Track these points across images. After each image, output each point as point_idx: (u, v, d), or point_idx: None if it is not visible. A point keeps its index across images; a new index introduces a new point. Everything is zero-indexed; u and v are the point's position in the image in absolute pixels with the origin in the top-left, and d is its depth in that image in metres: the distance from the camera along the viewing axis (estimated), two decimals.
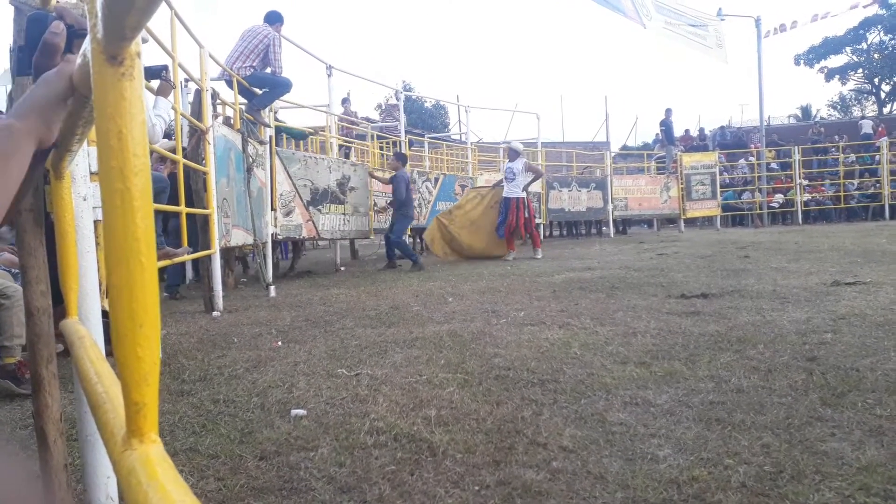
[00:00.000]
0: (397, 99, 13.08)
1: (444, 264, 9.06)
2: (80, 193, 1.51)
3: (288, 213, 7.58)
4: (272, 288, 6.18)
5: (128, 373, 0.48)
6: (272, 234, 7.21)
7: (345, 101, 13.74)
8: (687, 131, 22.78)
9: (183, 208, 4.88)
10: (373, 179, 9.63)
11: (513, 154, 9.74)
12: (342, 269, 8.84)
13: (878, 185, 17.31)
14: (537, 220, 13.50)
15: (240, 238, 6.18)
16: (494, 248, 9.69)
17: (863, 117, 25.54)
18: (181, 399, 2.69)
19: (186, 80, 6.52)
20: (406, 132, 12.48)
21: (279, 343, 3.76)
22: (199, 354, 3.53)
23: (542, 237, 11.74)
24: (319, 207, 8.23)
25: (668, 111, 18.50)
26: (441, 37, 78.30)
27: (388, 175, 9.21)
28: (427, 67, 72.08)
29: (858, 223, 15.91)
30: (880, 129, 20.43)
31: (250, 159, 6.42)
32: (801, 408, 2.23)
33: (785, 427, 2.06)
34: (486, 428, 2.19)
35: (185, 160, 5.04)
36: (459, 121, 19.52)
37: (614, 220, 15.57)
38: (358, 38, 76.44)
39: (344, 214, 8.72)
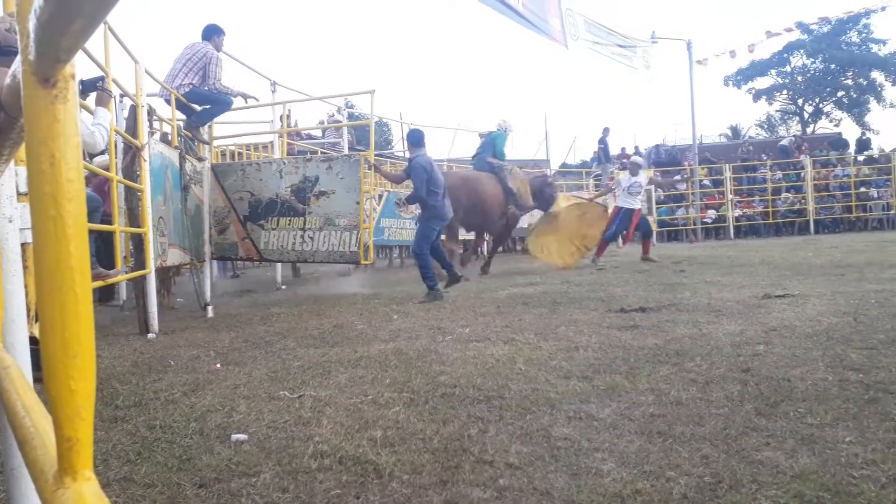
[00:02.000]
0: (340, 115, 13.02)
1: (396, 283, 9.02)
2: (6, 215, 1.44)
3: (222, 231, 7.13)
4: (210, 308, 6.03)
5: (60, 407, 0.45)
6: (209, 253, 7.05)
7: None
8: (623, 150, 23.44)
9: (117, 227, 4.72)
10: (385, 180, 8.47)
11: (635, 169, 10.28)
12: (283, 287, 8.70)
13: (803, 201, 18.15)
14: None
15: (176, 258, 6.01)
16: (564, 259, 9.58)
17: (784, 137, 26.82)
18: (115, 426, 2.58)
19: (122, 96, 6.35)
20: (349, 148, 12.43)
21: (218, 365, 3.66)
22: (133, 378, 3.40)
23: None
24: (261, 223, 7.01)
25: (606, 130, 19.06)
26: (383, 54, 78.55)
27: (400, 171, 7.88)
28: (369, 84, 72.19)
29: (786, 237, 16.64)
30: (803, 146, 21.48)
31: (188, 177, 6.27)
32: (738, 418, 2.30)
33: (723, 438, 2.12)
34: (433, 447, 2.18)
35: (119, 178, 4.89)
36: (403, 138, 19.56)
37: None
38: (301, 54, 75.90)
39: (303, 230, 6.89)
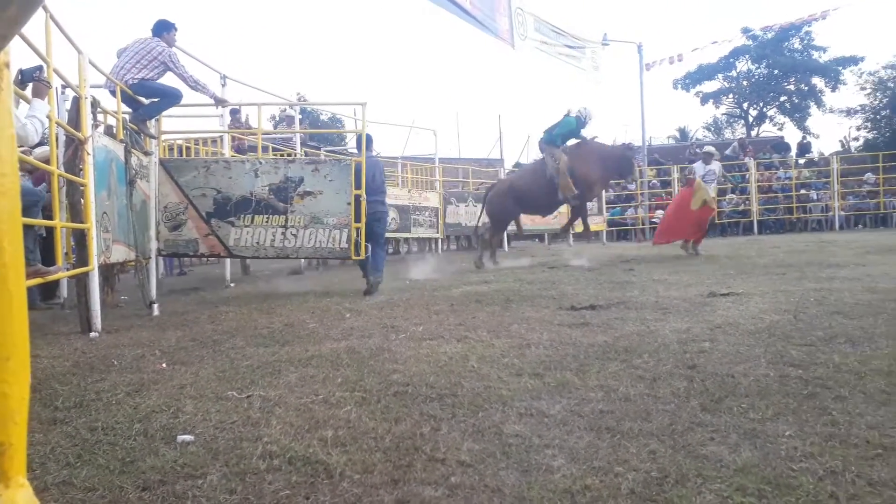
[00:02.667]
0: (293, 110, 12.85)
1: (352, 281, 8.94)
2: None
3: (176, 227, 7.08)
4: (155, 306, 5.87)
5: None
6: (156, 250, 6.87)
7: (235, 112, 13.26)
8: None
9: (58, 223, 4.56)
10: None
11: (708, 158, 10.45)
12: (232, 285, 8.53)
13: (747, 202, 18.74)
14: (436, 234, 13.69)
15: (121, 254, 5.84)
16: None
17: (731, 140, 27.68)
18: (54, 428, 2.49)
19: (64, 87, 6.12)
20: (302, 145, 12.26)
21: (164, 365, 3.57)
22: (74, 379, 3.29)
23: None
24: (231, 220, 6.92)
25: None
26: (337, 50, 77.79)
27: None
28: (322, 80, 71.32)
29: (731, 237, 17.13)
30: (748, 149, 22.16)
31: (133, 171, 6.09)
32: (684, 414, 2.36)
33: (669, 433, 2.17)
34: (385, 446, 2.17)
35: (60, 171, 4.72)
36: (356, 128, 19.42)
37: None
38: (252, 48, 74.55)
39: (285, 227, 6.92)
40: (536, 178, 10.41)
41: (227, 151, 9.28)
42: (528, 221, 16.47)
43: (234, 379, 3.18)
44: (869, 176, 19.62)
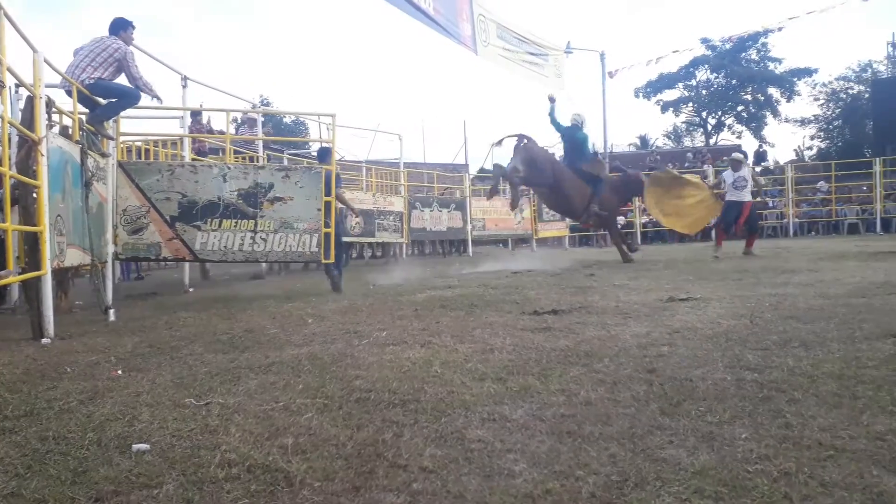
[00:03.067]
0: (255, 113, 12.70)
1: (314, 283, 8.85)
2: None
3: (137, 231, 6.94)
4: (111, 312, 5.73)
5: None
6: (113, 254, 6.71)
7: (196, 114, 13.06)
8: None
9: (9, 225, 4.43)
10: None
11: (737, 164, 10.80)
12: (191, 289, 8.38)
13: None
14: (400, 239, 13.67)
15: (75, 258, 5.68)
16: (686, 229, 11.41)
17: (691, 148, 28.28)
18: (2, 438, 2.40)
19: (17, 86, 5.95)
20: (265, 147, 12.11)
21: (119, 372, 3.48)
22: (24, 387, 3.18)
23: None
24: (197, 224, 6.93)
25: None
26: (301, 52, 77.18)
27: None
28: (286, 82, 70.68)
29: (689, 243, 17.46)
30: (707, 157, 22.67)
31: (89, 173, 5.94)
32: (643, 417, 2.39)
33: (629, 437, 2.19)
34: (346, 453, 2.15)
35: (13, 173, 4.59)
36: (321, 138, 19.28)
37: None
38: (215, 49, 73.46)
39: (254, 232, 7.01)
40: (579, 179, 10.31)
41: (188, 154, 9.12)
42: (493, 226, 16.59)
43: (192, 386, 3.11)
44: (822, 184, 20.23)
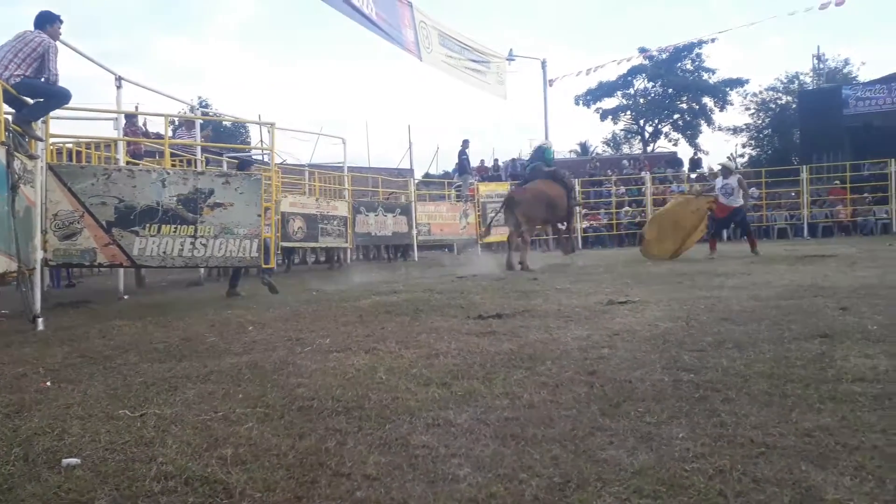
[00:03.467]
0: (192, 114, 12.38)
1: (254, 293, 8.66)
2: None
3: (69, 237, 6.69)
4: (40, 321, 5.48)
5: None
6: (42, 260, 6.42)
7: (131, 117, 12.62)
8: (482, 162, 24.19)
9: None
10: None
11: (726, 172, 11.16)
12: (125, 297, 8.09)
13: (643, 214, 19.64)
14: (344, 244, 13.54)
15: (1, 265, 5.41)
16: (678, 249, 10.83)
17: (629, 155, 29.05)
18: None
19: None
20: (203, 151, 11.81)
21: (48, 383, 3.33)
22: None
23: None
24: (135, 229, 6.80)
25: (465, 142, 19.73)
26: (240, 53, 75.80)
27: None
28: (225, 84, 69.26)
29: (628, 248, 17.87)
30: (645, 164, 23.30)
31: (16, 176, 5.67)
32: (584, 419, 2.43)
33: (571, 438, 2.23)
34: (288, 463, 2.11)
35: None
36: (262, 141, 18.94)
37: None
38: (151, 50, 71.34)
39: (194, 237, 6.98)
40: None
41: (122, 157, 8.82)
42: (439, 231, 16.63)
43: (127, 397, 3.01)
44: (752, 191, 21.04)
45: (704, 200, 11.07)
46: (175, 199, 6.93)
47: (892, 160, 18.55)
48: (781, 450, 2.04)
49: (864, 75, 33.72)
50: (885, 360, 3.09)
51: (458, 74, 17.69)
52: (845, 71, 36.20)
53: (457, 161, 20.95)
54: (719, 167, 12.41)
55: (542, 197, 10.51)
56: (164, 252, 6.91)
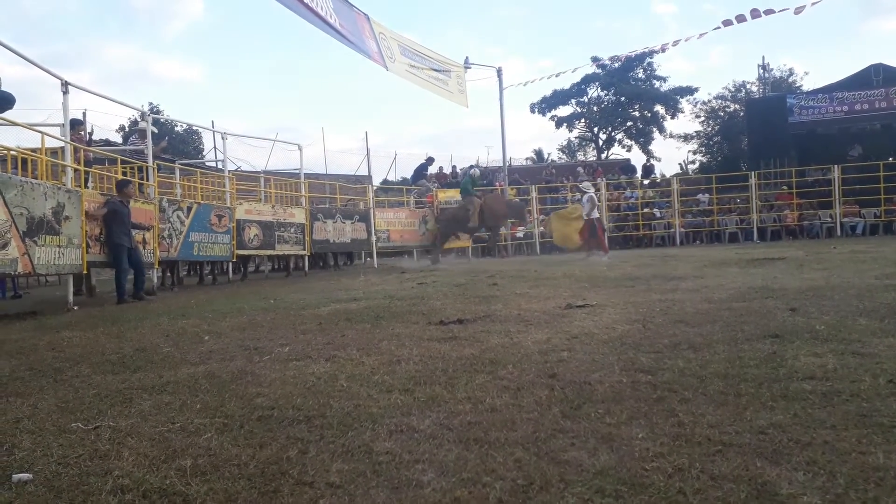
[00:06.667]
0: (144, 121, 12.10)
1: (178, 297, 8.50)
2: None
3: (4, 246, 6.50)
4: None
5: None
6: None
7: (77, 123, 12.21)
8: (441, 169, 24.25)
9: None
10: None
11: (582, 192, 15.21)
12: (75, 308, 7.85)
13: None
14: (302, 251, 13.40)
15: None
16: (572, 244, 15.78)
17: (584, 162, 29.49)
18: None
19: None
20: (154, 157, 11.56)
21: None
22: None
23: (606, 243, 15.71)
24: (35, 239, 7.15)
25: (430, 159, 20.10)
26: (194, 60, 74.54)
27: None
28: (178, 90, 68.02)
29: (571, 253, 18.10)
30: (597, 170, 23.69)
31: None
32: (546, 421, 2.45)
33: (533, 441, 2.24)
34: (249, 473, 2.07)
35: None
36: (215, 147, 18.64)
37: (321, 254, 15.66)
38: (100, 55, 69.58)
39: (59, 247, 7.61)
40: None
41: (70, 164, 8.57)
42: (398, 238, 16.59)
43: (80, 409, 2.92)
44: (703, 196, 21.58)
45: (579, 208, 15.39)
46: (51, 211, 7.50)
47: (835, 166, 19.26)
48: (737, 447, 2.10)
49: (808, 84, 34.97)
50: (832, 358, 3.20)
51: (422, 83, 17.79)
52: (790, 80, 37.45)
53: (414, 170, 21.09)
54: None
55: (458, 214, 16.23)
56: (48, 261, 7.44)
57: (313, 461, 2.15)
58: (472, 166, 20.88)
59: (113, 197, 9.10)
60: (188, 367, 3.79)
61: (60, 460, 2.25)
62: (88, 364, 4.01)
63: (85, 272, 8.47)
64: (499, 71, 20.93)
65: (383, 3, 64.93)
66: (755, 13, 17.14)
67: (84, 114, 12.70)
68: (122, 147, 13.44)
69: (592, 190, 15.51)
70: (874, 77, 21.96)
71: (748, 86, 37.80)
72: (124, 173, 11.23)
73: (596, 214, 14.88)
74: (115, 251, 8.73)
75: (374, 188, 18.12)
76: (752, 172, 20.53)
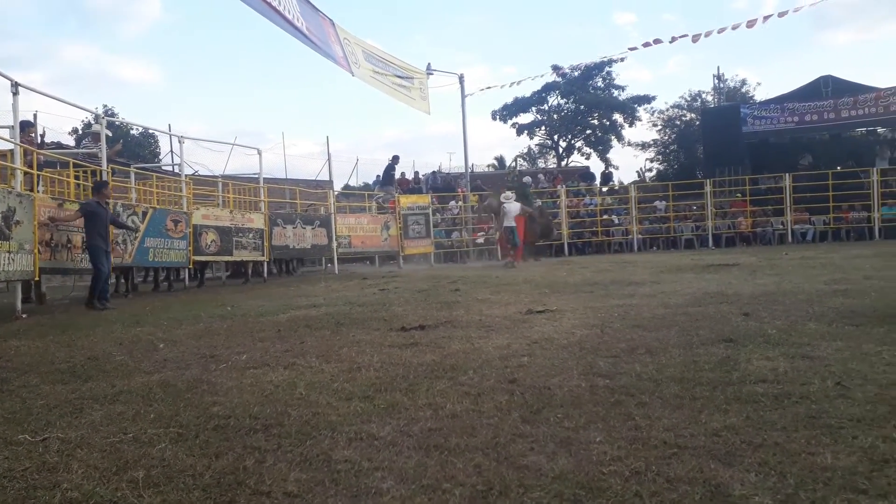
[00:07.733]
0: (97, 123, 11.80)
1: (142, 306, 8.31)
2: None
3: None
4: None
5: None
6: None
7: (27, 125, 11.83)
8: (403, 174, 24.23)
9: None
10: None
11: (507, 200, 15.39)
12: (24, 316, 7.60)
13: (558, 226, 20.18)
14: (261, 257, 13.24)
15: None
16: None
17: (544, 169, 29.83)
18: None
19: None
20: (109, 161, 11.27)
21: None
22: None
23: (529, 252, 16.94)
24: None
25: (395, 158, 20.04)
26: (152, 62, 72.98)
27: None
28: (137, 93, 66.49)
29: (544, 259, 18.28)
30: (557, 177, 23.96)
31: None
32: (506, 426, 2.46)
33: (493, 446, 2.25)
34: (204, 483, 2.03)
35: None
36: (172, 151, 18.29)
37: (279, 260, 15.39)
38: (54, 56, 67.60)
39: (9, 252, 7.48)
40: None
41: (20, 167, 8.31)
42: (360, 243, 16.49)
43: (27, 421, 2.82)
44: (659, 203, 22.00)
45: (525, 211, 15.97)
46: (1, 215, 7.37)
47: (787, 175, 19.83)
48: (692, 450, 2.13)
49: (760, 95, 35.91)
50: (783, 361, 3.29)
51: (386, 89, 17.79)
52: (743, 90, 38.42)
53: (382, 173, 20.97)
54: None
55: None
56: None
57: (271, 470, 2.12)
58: (519, 172, 22.61)
59: (90, 199, 8.96)
60: (142, 376, 3.70)
61: (6, 473, 2.17)
62: (37, 374, 3.89)
63: (37, 279, 8.28)
64: (461, 78, 21.03)
65: (348, 9, 64.66)
66: (709, 33, 17.76)
67: (35, 115, 12.27)
68: (75, 150, 13.07)
69: (510, 201, 15.64)
70: (823, 88, 22.67)
71: (704, 95, 38.68)
72: (76, 177, 10.94)
73: (512, 223, 15.20)
74: (92, 253, 8.58)
75: (336, 193, 17.96)
76: (708, 180, 21.00)
